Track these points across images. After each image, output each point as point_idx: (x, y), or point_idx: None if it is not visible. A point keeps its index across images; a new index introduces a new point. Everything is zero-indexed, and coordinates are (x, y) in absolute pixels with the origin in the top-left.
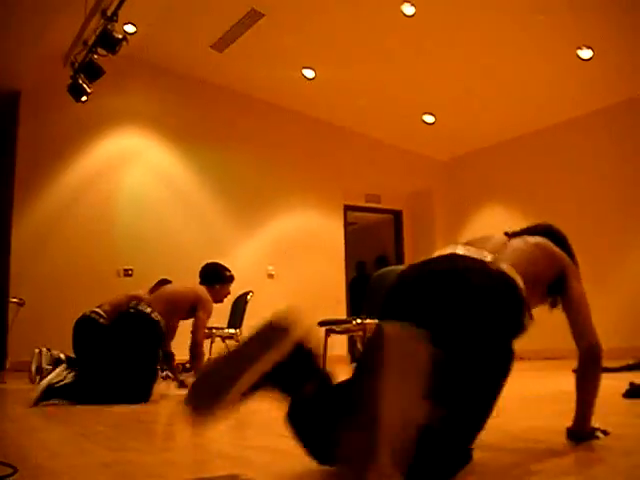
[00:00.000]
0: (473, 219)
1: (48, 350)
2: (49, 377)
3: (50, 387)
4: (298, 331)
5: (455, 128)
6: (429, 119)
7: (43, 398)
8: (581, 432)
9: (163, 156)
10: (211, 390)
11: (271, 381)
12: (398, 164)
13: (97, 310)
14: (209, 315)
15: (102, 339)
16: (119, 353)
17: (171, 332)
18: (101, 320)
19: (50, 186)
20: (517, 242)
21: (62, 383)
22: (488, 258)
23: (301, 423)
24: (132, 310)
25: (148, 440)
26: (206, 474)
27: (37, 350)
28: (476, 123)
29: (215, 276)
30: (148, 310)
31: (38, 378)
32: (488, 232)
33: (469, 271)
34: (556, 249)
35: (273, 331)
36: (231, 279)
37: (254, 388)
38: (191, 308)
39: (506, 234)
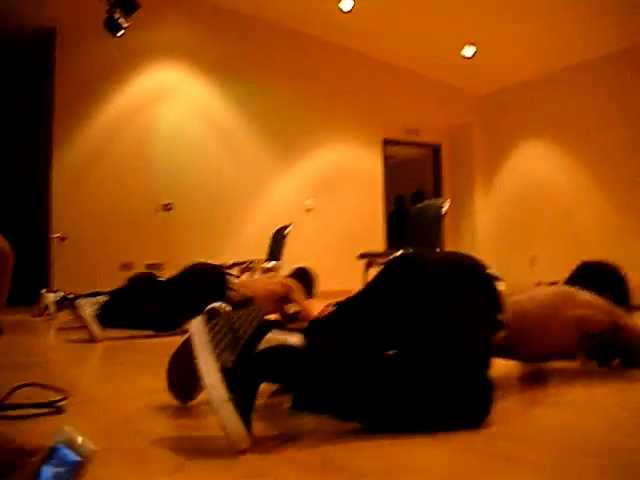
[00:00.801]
0: (512, 153)
1: (54, 291)
2: (88, 312)
3: (97, 317)
4: None
5: (494, 61)
6: (468, 52)
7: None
8: None
9: (201, 90)
10: (182, 385)
11: None
12: (438, 98)
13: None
14: (304, 293)
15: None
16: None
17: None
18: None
19: (88, 122)
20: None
21: (98, 306)
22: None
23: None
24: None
25: None
26: None
27: (44, 291)
28: (516, 56)
29: (307, 284)
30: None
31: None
32: (528, 169)
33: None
34: (605, 305)
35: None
36: (310, 294)
37: None
38: (281, 299)
39: None
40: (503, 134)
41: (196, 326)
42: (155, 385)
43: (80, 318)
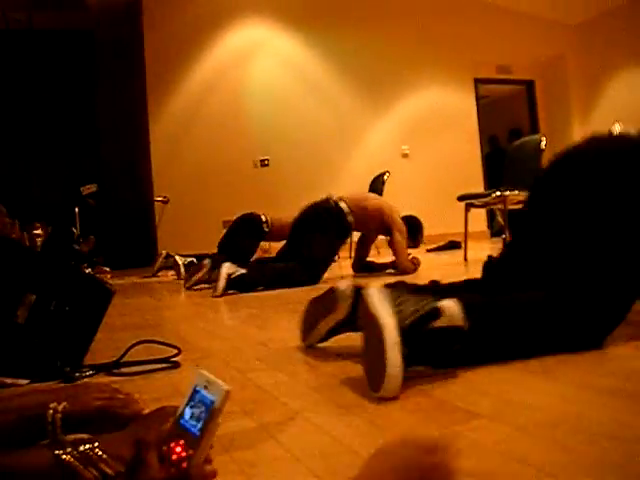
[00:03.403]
0: (610, 85)
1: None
2: (224, 270)
3: (229, 277)
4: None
5: None
6: None
7: (226, 288)
8: None
9: (288, 43)
10: (304, 327)
11: (345, 327)
12: (527, 32)
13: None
14: (405, 235)
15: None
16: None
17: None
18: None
19: (180, 84)
20: None
21: (237, 274)
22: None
23: None
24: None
25: (294, 320)
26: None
27: (164, 252)
28: None
29: (415, 231)
30: (343, 205)
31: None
32: (627, 99)
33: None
34: None
35: (333, 297)
36: (416, 243)
37: (332, 332)
38: (384, 227)
39: None
40: (600, 65)
41: (375, 290)
42: (263, 337)
43: (218, 275)
